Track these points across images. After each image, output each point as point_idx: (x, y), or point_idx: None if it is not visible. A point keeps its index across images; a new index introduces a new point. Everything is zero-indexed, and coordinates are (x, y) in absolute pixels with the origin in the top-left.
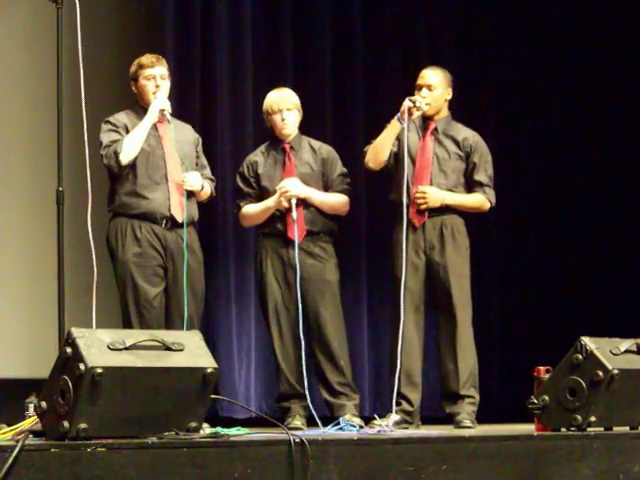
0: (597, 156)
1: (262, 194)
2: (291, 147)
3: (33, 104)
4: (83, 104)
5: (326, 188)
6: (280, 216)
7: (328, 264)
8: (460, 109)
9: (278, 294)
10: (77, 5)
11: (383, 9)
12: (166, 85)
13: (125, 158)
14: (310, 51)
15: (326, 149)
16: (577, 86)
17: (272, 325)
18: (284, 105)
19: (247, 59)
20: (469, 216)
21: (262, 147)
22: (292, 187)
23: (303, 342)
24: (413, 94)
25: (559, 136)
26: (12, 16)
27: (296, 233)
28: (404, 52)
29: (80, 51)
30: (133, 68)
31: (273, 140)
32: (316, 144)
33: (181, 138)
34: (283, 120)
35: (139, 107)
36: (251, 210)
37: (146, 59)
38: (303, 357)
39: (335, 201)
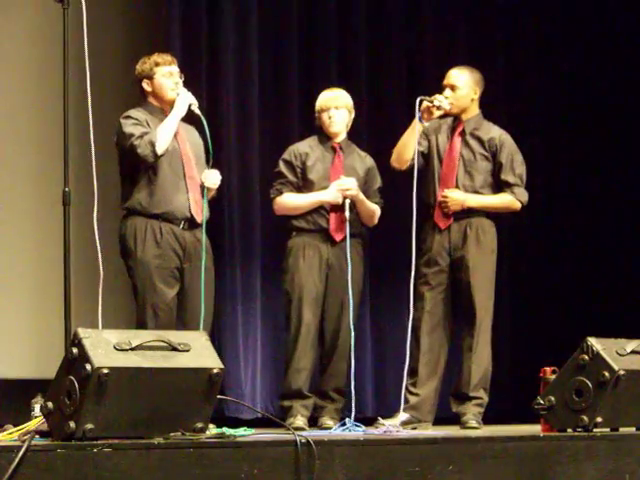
0: (605, 159)
1: (305, 186)
2: (340, 148)
3: (39, 104)
4: (89, 104)
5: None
6: (324, 212)
7: (360, 266)
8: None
9: (313, 291)
10: (83, 5)
11: (389, 11)
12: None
13: (160, 148)
14: (317, 51)
15: (370, 159)
16: (609, 88)
17: (303, 323)
18: (333, 104)
19: (254, 59)
20: (497, 219)
21: (309, 140)
22: (354, 186)
23: (353, 335)
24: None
25: (570, 138)
26: (18, 17)
27: (348, 231)
28: (407, 56)
29: (86, 51)
30: (147, 66)
31: (321, 136)
32: (362, 153)
33: (191, 138)
34: (330, 118)
35: (150, 105)
36: (297, 199)
37: (162, 58)
38: (352, 351)
39: (374, 211)
